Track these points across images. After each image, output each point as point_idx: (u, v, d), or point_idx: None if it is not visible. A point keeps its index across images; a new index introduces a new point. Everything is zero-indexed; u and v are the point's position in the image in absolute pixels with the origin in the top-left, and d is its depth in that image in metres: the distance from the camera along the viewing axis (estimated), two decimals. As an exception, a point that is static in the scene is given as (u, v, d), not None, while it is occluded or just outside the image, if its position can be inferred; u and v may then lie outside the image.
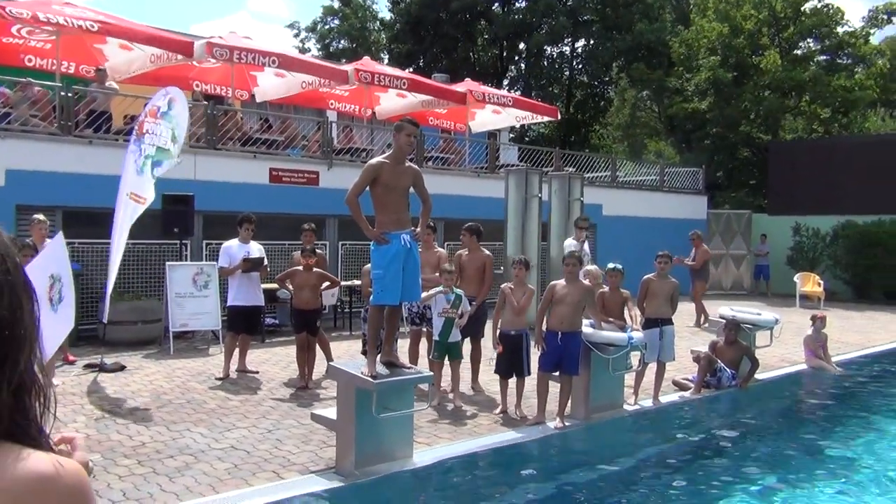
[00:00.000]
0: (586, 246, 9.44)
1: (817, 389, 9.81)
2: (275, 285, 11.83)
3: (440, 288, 7.55)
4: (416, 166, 6.03)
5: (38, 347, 1.18)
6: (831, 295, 19.10)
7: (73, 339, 9.36)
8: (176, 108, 8.84)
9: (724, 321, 9.44)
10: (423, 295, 7.48)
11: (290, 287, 8.58)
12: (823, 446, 7.12)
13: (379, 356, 5.88)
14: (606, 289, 8.17)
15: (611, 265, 8.24)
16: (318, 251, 8.99)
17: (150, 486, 5.15)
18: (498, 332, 7.34)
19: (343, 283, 11.56)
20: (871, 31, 26.42)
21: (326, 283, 8.70)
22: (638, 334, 7.45)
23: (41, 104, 11.09)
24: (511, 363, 7.30)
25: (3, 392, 1.09)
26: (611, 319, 7.82)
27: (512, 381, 7.43)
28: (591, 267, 8.91)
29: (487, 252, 8.56)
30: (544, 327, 7.17)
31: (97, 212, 10.36)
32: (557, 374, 7.17)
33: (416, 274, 5.90)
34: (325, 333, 8.94)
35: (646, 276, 8.53)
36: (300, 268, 8.48)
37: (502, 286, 7.51)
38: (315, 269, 8.47)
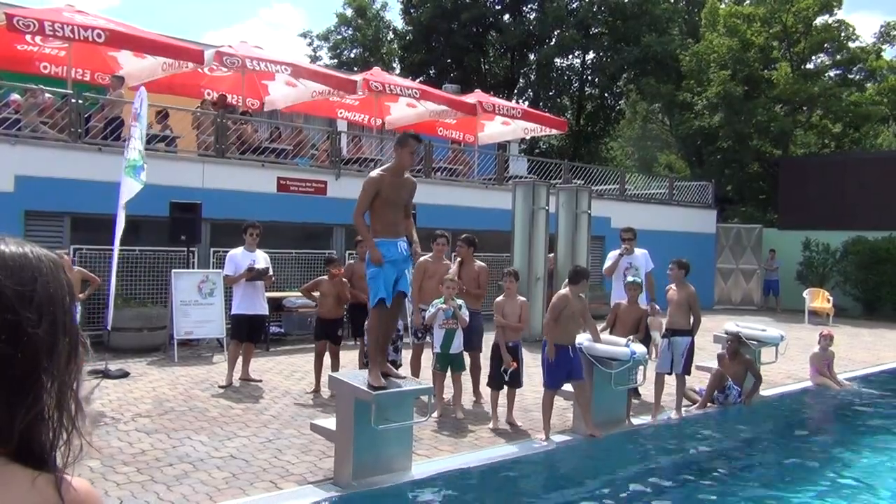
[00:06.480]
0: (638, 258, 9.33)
1: (822, 407, 9.73)
2: (280, 294, 11.96)
3: (441, 306, 7.50)
4: (413, 179, 6.04)
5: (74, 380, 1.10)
6: (840, 311, 18.99)
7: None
8: (143, 107, 9.12)
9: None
10: (427, 315, 7.53)
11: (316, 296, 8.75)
12: (824, 466, 7.05)
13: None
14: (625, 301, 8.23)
15: (629, 278, 8.25)
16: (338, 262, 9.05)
17: (147, 494, 5.15)
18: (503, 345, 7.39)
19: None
20: (883, 46, 26.37)
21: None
22: (640, 348, 7.41)
23: (50, 111, 11.16)
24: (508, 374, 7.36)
25: (18, 422, 1.04)
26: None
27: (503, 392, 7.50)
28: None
29: (482, 263, 8.59)
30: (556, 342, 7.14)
31: (105, 218, 10.40)
32: (564, 387, 7.21)
33: (408, 275, 5.96)
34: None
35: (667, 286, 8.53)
36: (325, 277, 8.57)
37: (496, 300, 7.56)
38: (338, 279, 8.56)
